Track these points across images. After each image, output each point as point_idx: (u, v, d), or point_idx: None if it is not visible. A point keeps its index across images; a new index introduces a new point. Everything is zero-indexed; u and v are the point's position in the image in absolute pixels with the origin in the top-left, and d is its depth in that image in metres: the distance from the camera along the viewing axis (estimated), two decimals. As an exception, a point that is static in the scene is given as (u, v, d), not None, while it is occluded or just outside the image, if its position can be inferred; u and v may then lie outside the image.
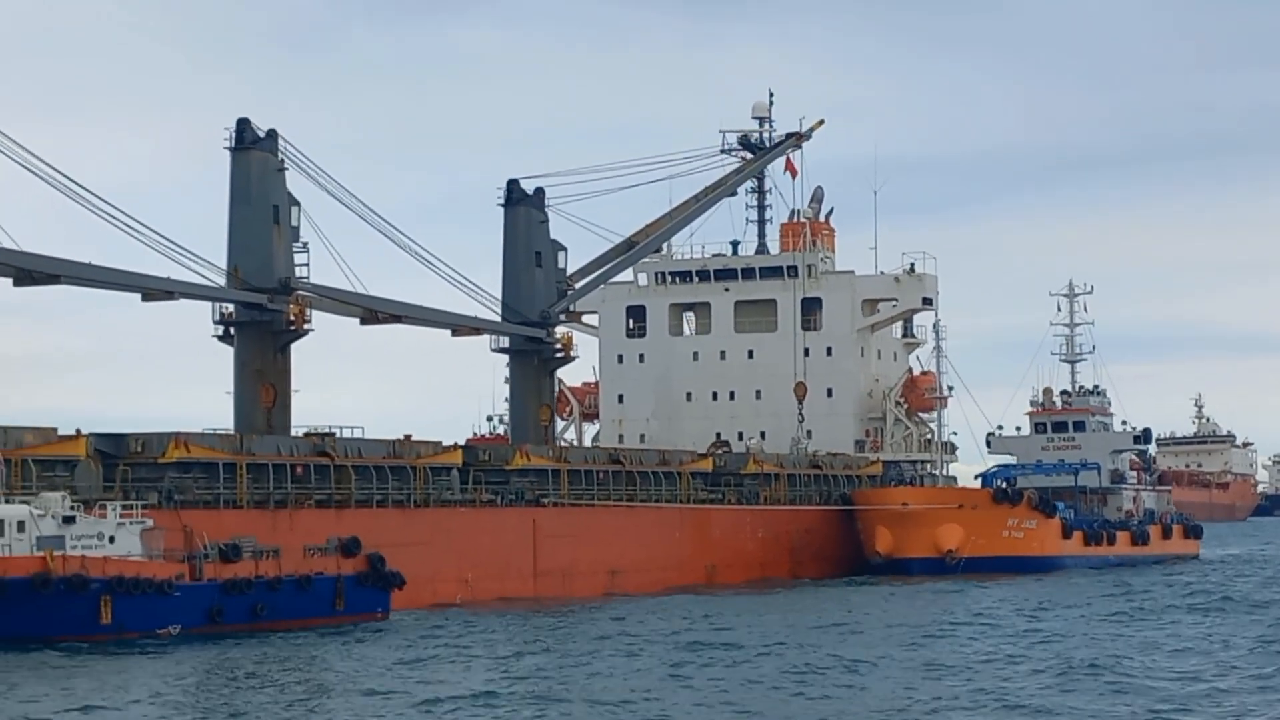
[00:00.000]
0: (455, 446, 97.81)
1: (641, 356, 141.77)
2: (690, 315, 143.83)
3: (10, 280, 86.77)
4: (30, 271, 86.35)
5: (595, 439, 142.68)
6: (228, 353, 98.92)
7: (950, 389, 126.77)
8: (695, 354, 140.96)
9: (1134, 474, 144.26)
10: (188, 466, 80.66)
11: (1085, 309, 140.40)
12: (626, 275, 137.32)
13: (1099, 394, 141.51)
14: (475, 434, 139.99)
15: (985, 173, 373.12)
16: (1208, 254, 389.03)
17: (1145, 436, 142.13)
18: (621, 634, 71.77)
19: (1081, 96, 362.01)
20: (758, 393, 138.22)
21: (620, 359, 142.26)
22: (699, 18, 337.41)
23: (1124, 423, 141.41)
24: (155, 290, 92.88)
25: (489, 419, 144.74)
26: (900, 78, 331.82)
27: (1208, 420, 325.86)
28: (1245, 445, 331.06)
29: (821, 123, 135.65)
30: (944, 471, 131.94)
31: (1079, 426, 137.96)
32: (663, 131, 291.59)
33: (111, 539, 68.02)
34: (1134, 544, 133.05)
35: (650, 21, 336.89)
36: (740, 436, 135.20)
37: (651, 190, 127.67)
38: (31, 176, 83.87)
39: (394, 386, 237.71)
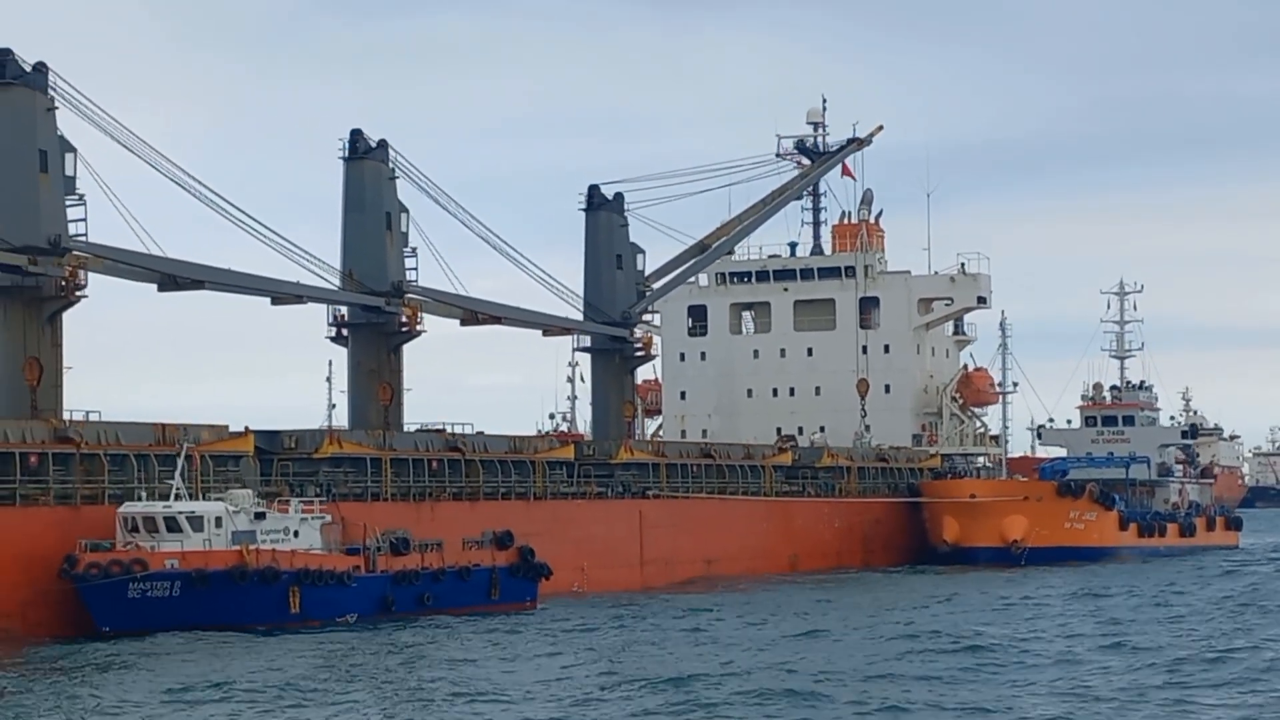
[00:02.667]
0: (567, 441, 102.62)
1: (703, 354, 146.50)
2: (749, 314, 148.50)
3: (155, 285, 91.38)
4: (175, 277, 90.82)
5: (655, 434, 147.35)
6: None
7: (1015, 385, 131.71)
8: (756, 352, 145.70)
9: (1179, 467, 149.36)
10: (339, 461, 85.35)
11: (1135, 307, 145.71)
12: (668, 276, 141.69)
13: (1146, 389, 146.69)
14: (539, 430, 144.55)
15: (1022, 161, 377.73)
16: (1193, 245, 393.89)
17: (1192, 431, 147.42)
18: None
19: (1098, 86, 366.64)
20: (817, 389, 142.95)
21: (682, 357, 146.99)
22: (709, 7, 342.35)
23: (1171, 417, 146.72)
24: (286, 295, 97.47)
25: (551, 416, 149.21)
26: (930, 68, 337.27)
27: (1195, 413, 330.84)
28: (1232, 438, 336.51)
29: (881, 128, 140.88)
30: (1004, 464, 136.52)
31: (1128, 421, 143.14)
32: (688, 123, 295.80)
33: (296, 533, 72.77)
34: (1182, 535, 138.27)
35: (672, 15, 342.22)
36: (800, 431, 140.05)
37: (702, 191, 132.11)
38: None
39: (450, 382, 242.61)
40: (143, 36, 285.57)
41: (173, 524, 69.05)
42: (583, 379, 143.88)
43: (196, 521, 69.35)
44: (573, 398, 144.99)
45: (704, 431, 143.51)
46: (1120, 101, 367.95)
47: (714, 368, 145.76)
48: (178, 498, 70.17)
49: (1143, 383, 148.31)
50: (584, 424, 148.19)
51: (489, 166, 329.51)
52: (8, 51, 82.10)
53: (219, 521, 69.93)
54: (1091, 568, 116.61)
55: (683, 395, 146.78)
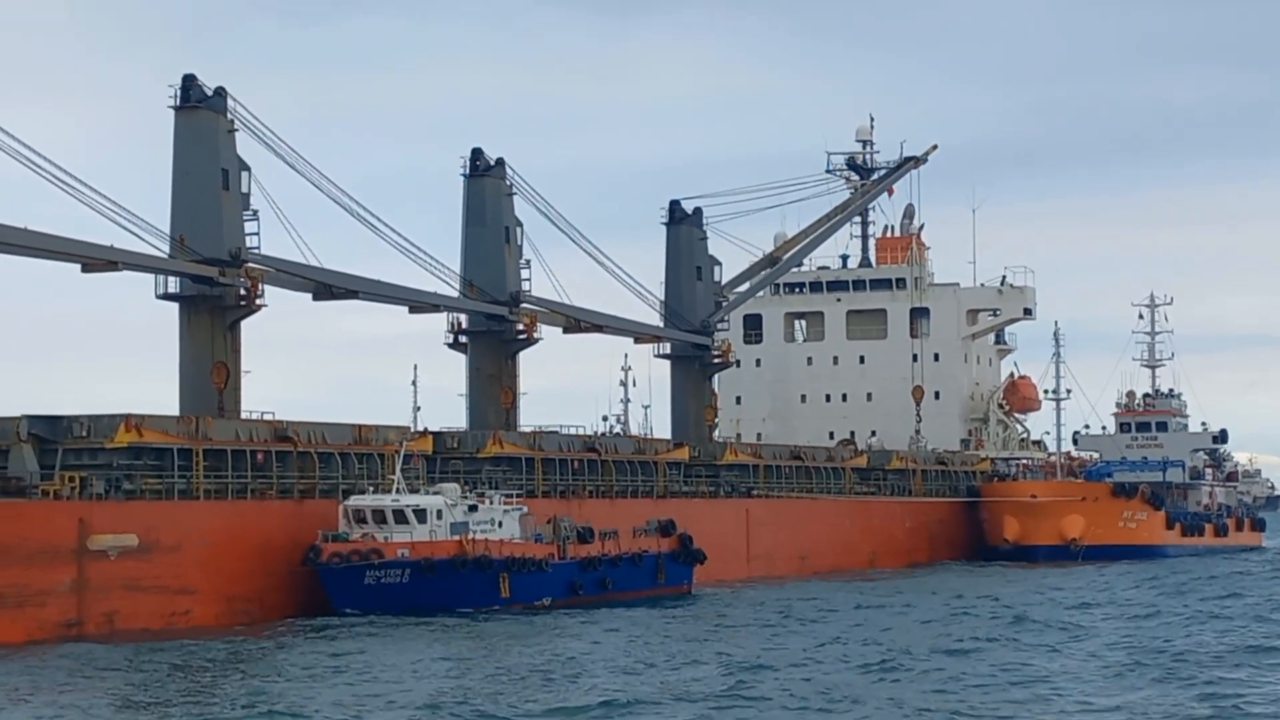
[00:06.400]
0: (680, 444, 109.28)
1: (758, 361, 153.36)
2: (802, 323, 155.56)
3: (310, 295, 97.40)
4: (331, 287, 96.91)
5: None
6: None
7: (1069, 392, 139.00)
8: (810, 359, 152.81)
9: (1208, 471, 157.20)
10: (498, 461, 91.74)
11: (1166, 318, 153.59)
12: (742, 286, 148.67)
13: (1177, 397, 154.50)
14: (594, 432, 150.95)
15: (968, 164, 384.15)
16: (1173, 249, 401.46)
17: (1222, 436, 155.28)
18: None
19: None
20: (869, 395, 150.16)
21: (738, 363, 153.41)
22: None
23: (1203, 424, 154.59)
24: (423, 303, 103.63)
25: (604, 419, 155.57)
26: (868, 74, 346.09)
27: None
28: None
29: (935, 147, 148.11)
30: (1059, 467, 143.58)
31: (1161, 427, 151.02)
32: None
33: (500, 524, 79.18)
34: (1216, 535, 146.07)
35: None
36: (852, 435, 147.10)
37: (767, 208, 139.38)
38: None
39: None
40: (61, 39, 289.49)
41: (400, 516, 75.33)
42: (635, 383, 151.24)
43: (421, 514, 75.66)
44: (625, 400, 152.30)
45: (758, 435, 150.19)
46: (1054, 106, 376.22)
47: (769, 374, 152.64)
48: (399, 492, 76.46)
49: (1171, 390, 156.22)
50: (636, 425, 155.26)
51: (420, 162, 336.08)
52: (192, 77, 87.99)
53: (439, 514, 76.25)
54: None
55: (738, 400, 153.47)
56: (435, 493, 78.35)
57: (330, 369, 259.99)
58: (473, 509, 78.18)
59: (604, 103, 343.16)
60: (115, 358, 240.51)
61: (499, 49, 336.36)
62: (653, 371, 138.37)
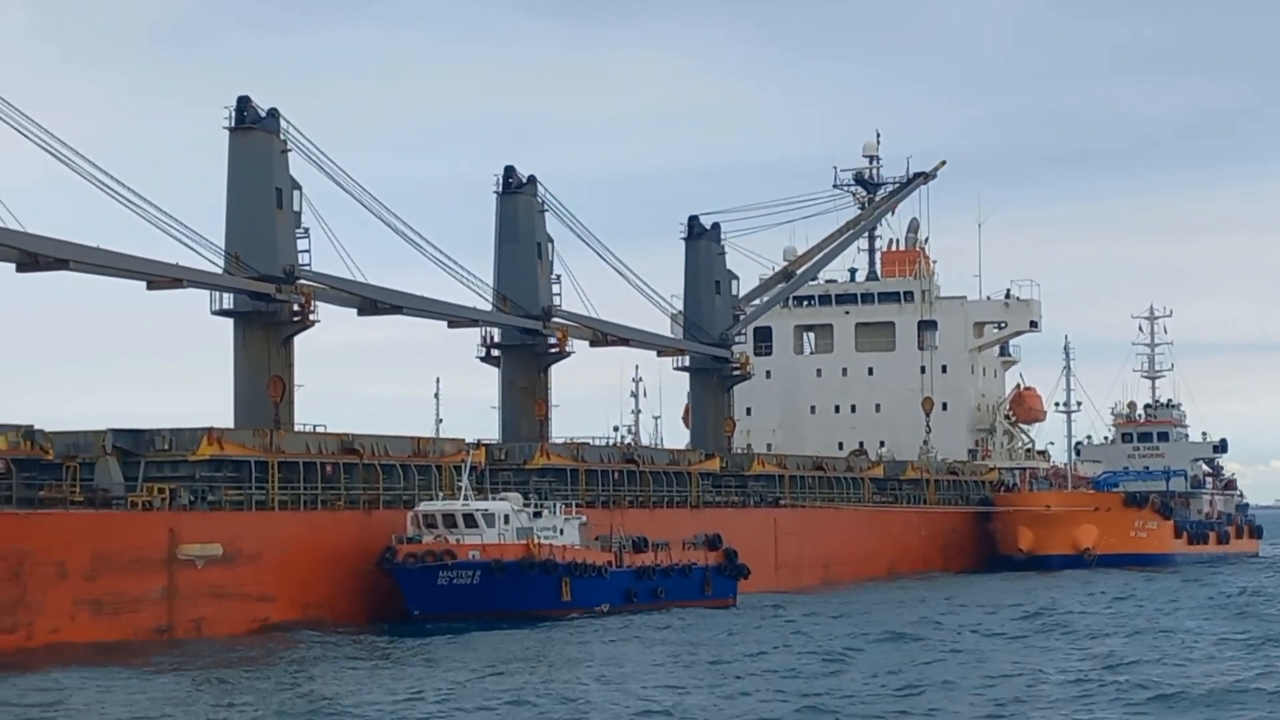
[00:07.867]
0: (711, 455, 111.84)
1: (768, 373, 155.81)
2: (811, 335, 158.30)
3: (355, 310, 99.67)
4: (376, 302, 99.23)
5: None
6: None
7: (1079, 404, 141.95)
8: (819, 371, 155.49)
9: (1208, 480, 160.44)
10: (545, 472, 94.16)
11: (1165, 330, 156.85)
12: (758, 300, 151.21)
13: (1176, 407, 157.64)
14: (608, 443, 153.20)
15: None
16: (1158, 257, 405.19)
17: (1222, 446, 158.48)
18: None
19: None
20: (877, 406, 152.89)
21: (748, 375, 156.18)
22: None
23: (1203, 433, 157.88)
24: (462, 319, 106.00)
25: (615, 429, 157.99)
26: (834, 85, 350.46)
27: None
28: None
29: (944, 163, 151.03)
30: (1069, 477, 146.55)
31: (1163, 437, 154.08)
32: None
33: (561, 531, 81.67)
34: (1219, 543, 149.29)
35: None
36: (861, 446, 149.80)
37: (778, 224, 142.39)
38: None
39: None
40: (34, 48, 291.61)
41: (470, 520, 77.87)
42: (645, 394, 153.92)
43: (490, 518, 78.21)
44: (636, 411, 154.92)
45: (768, 446, 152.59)
46: (1017, 116, 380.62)
47: (779, 385, 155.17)
48: (466, 498, 79.01)
49: (1170, 400, 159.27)
50: (647, 436, 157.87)
51: (405, 171, 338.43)
52: (247, 99, 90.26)
53: (507, 519, 78.75)
54: None
55: (748, 411, 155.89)
56: (501, 499, 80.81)
57: (354, 380, 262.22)
58: (537, 515, 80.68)
59: (606, 113, 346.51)
60: (168, 370, 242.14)
61: (484, 61, 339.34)
62: (662, 381, 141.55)
